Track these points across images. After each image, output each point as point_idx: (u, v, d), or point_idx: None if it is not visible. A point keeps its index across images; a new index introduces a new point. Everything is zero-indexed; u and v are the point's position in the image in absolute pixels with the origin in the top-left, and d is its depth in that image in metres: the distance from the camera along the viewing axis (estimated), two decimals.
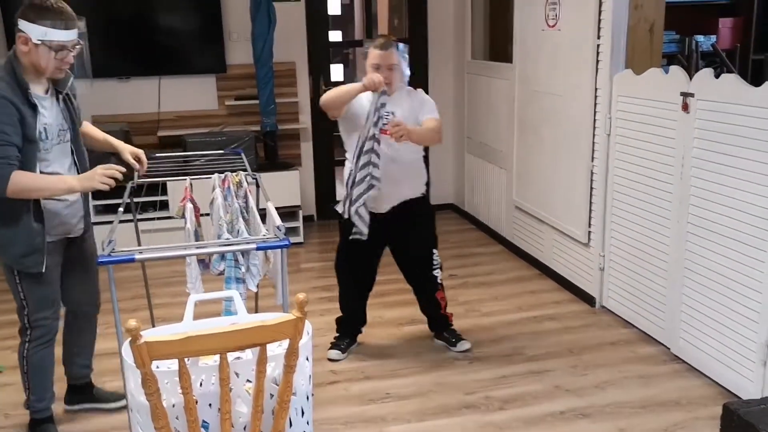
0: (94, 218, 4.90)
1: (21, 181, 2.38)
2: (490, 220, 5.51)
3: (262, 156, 5.39)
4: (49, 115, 2.57)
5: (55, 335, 2.80)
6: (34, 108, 2.47)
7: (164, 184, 4.13)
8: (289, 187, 5.23)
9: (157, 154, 3.76)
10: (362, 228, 3.26)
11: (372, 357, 3.57)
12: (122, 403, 3.01)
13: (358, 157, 3.23)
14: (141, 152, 2.99)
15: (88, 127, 2.97)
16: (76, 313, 2.99)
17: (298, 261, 5.04)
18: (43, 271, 2.61)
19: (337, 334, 3.63)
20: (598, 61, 3.88)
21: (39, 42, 2.41)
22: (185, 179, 3.24)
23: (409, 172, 3.39)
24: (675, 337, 3.44)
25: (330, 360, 3.51)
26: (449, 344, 3.64)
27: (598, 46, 3.86)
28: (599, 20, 3.83)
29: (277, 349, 1.84)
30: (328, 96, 3.28)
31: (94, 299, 3.02)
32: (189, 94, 5.47)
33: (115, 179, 2.55)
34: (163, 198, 4.76)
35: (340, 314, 3.67)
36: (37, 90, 2.55)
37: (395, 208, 3.40)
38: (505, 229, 5.23)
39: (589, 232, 4.09)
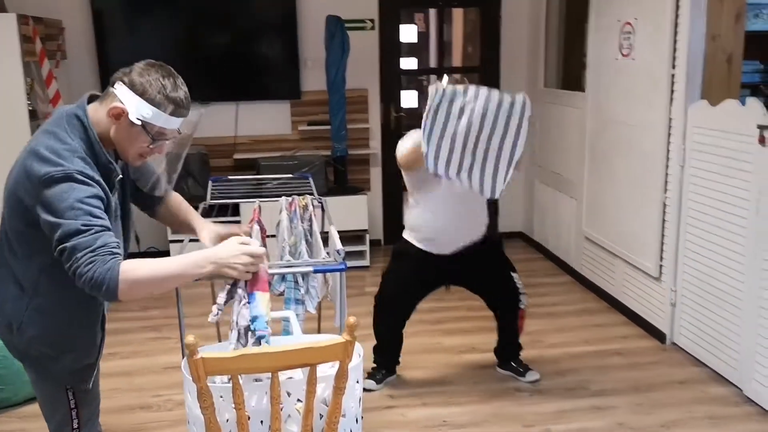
0: (169, 236, 5.12)
1: (136, 274, 1.73)
2: (558, 250, 5.43)
3: (332, 180, 5.50)
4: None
5: None
6: (112, 188, 1.93)
7: (237, 205, 4.26)
8: (357, 211, 5.31)
9: (229, 177, 3.90)
10: None
11: (429, 384, 3.56)
12: None
13: None
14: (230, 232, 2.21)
15: (174, 200, 2.33)
16: None
17: (363, 284, 5.08)
18: (90, 387, 2.09)
19: (374, 364, 3.58)
20: (672, 92, 3.80)
21: (138, 122, 1.84)
22: (254, 201, 3.35)
23: (475, 214, 3.39)
24: (748, 378, 3.29)
25: (364, 390, 3.46)
26: (517, 374, 3.59)
27: (673, 76, 3.79)
28: (674, 50, 3.76)
29: (329, 371, 1.87)
30: (408, 159, 3.22)
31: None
32: (264, 119, 5.64)
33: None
34: (236, 219, 4.91)
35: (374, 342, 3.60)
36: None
37: (460, 251, 3.38)
38: (574, 260, 5.14)
39: (661, 266, 3.97)
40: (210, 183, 3.64)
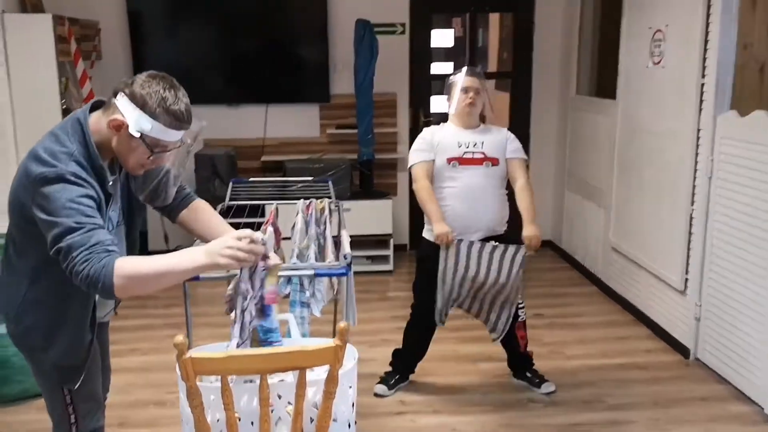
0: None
1: (131, 270, 1.73)
2: (586, 259, 5.34)
3: (357, 184, 5.50)
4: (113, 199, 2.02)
5: None
6: (108, 197, 1.95)
7: (257, 208, 4.28)
8: (382, 215, 5.30)
9: (251, 179, 3.93)
10: None
11: (442, 391, 3.53)
12: None
13: None
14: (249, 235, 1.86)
15: (200, 208, 2.26)
16: None
17: (385, 289, 5.08)
18: (76, 387, 2.08)
19: (390, 369, 3.57)
20: (702, 101, 3.71)
21: (137, 135, 1.84)
22: (272, 203, 3.37)
23: (490, 205, 3.35)
24: None
25: (375, 395, 3.47)
26: (532, 385, 3.54)
27: (703, 85, 3.70)
28: (704, 58, 3.68)
29: (322, 374, 1.87)
30: (417, 194, 3.34)
31: (107, 386, 2.41)
32: (293, 122, 5.68)
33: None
34: (251, 221, 4.92)
35: (398, 347, 3.61)
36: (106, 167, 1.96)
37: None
38: (601, 271, 5.05)
39: (686, 279, 3.88)
40: (231, 184, 3.67)
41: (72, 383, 2.07)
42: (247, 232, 1.82)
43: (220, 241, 1.81)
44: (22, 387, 3.37)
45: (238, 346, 1.89)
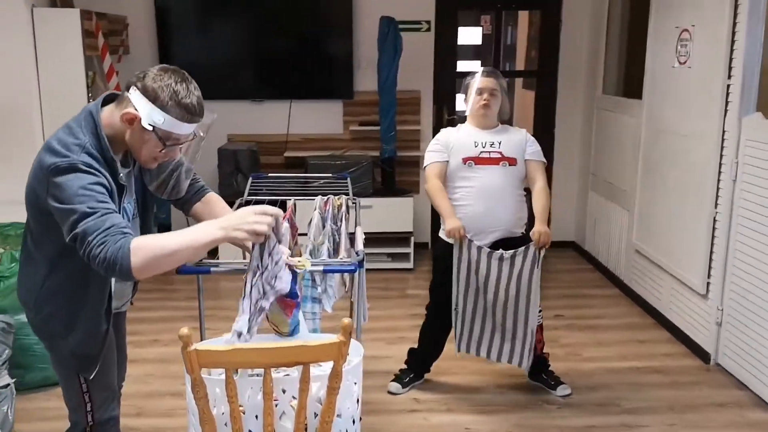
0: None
1: (147, 249, 1.74)
2: (608, 261, 5.28)
3: (379, 181, 5.51)
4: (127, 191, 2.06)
5: None
6: (121, 189, 1.98)
7: (275, 203, 4.31)
8: (403, 213, 5.30)
9: (269, 174, 3.95)
10: None
11: (457, 390, 3.53)
12: None
13: None
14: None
15: (211, 199, 2.31)
16: None
17: (404, 287, 5.09)
18: (92, 377, 2.11)
19: (405, 367, 3.56)
20: (727, 102, 3.65)
21: (149, 128, 1.88)
22: (290, 199, 3.39)
23: (507, 205, 3.33)
24: None
25: (389, 393, 3.47)
26: (548, 387, 3.52)
27: (729, 86, 3.64)
28: (731, 59, 3.61)
29: (328, 369, 1.88)
30: (428, 193, 3.37)
31: (123, 375, 2.45)
32: (316, 118, 5.70)
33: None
34: None
35: (414, 345, 3.60)
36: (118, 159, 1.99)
37: (497, 243, 3.34)
38: (624, 273, 4.99)
39: (708, 283, 3.82)
40: (250, 179, 3.70)
41: (88, 372, 2.11)
42: (263, 207, 1.84)
43: (236, 215, 1.82)
44: (43, 375, 3.43)
45: (249, 323, 1.90)
